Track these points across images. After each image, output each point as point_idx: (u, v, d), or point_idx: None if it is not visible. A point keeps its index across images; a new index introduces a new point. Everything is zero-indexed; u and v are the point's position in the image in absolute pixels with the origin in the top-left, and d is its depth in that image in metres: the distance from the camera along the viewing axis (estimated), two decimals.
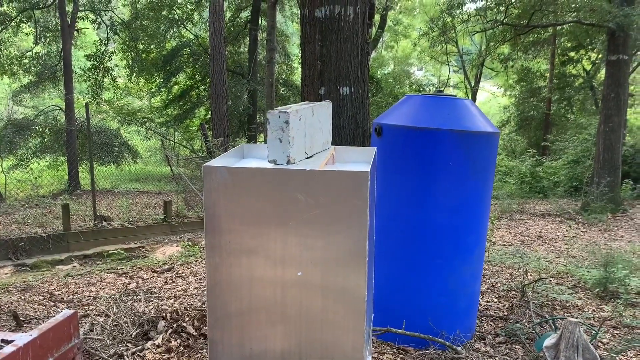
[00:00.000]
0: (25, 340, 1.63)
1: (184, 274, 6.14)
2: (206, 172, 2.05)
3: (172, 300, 4.95)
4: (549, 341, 3.12)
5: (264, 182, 2.02)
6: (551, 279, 5.86)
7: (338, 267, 2.04)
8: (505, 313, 4.73)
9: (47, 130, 15.78)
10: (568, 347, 2.95)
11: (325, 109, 2.54)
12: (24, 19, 17.41)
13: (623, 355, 3.92)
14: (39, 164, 15.67)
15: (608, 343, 4.16)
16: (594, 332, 3.90)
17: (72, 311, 1.88)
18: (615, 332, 4.41)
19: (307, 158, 2.30)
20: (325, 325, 2.08)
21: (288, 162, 2.09)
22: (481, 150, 3.79)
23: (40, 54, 18.23)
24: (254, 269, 2.10)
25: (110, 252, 8.27)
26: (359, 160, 2.63)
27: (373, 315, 3.15)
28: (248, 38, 20.26)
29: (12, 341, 1.66)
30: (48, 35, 18.31)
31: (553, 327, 4.00)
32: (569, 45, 19.49)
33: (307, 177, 1.99)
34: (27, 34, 19.10)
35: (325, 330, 2.09)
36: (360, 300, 2.04)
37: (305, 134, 2.25)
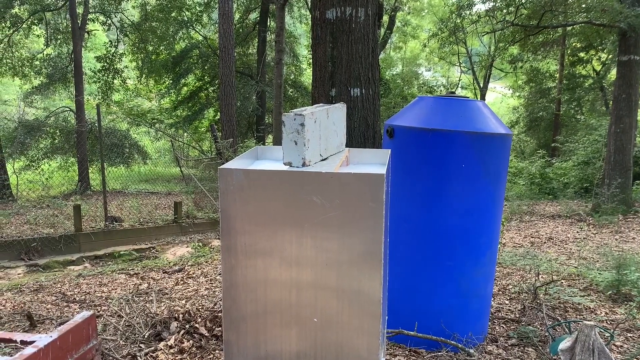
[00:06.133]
0: (46, 342, 1.64)
1: (194, 275, 6.16)
2: (222, 175, 2.05)
3: (183, 301, 4.97)
4: (564, 344, 3.10)
5: (280, 184, 2.02)
6: (562, 281, 5.82)
7: (353, 269, 2.04)
8: (517, 315, 4.71)
9: (57, 131, 15.91)
10: (584, 351, 2.93)
11: (339, 111, 2.54)
12: (35, 21, 17.59)
13: (638, 359, 3.89)
14: (49, 165, 15.79)
15: (621, 346, 4.13)
16: (607, 334, 3.87)
17: (90, 312, 1.89)
18: (628, 335, 4.37)
19: (322, 160, 2.30)
20: (341, 327, 2.08)
21: (303, 165, 2.09)
22: (494, 152, 3.78)
23: (51, 56, 18.40)
24: (269, 270, 2.11)
25: (121, 252, 8.32)
26: (373, 162, 2.62)
27: (387, 317, 3.14)
28: (257, 39, 20.35)
29: (31, 342, 1.67)
30: (59, 37, 18.48)
31: (568, 330, 3.98)
32: (578, 45, 19.37)
33: (322, 179, 1.99)
34: (38, 36, 19.28)
35: (341, 332, 2.08)
36: (375, 303, 2.03)
37: (320, 136, 2.25)
